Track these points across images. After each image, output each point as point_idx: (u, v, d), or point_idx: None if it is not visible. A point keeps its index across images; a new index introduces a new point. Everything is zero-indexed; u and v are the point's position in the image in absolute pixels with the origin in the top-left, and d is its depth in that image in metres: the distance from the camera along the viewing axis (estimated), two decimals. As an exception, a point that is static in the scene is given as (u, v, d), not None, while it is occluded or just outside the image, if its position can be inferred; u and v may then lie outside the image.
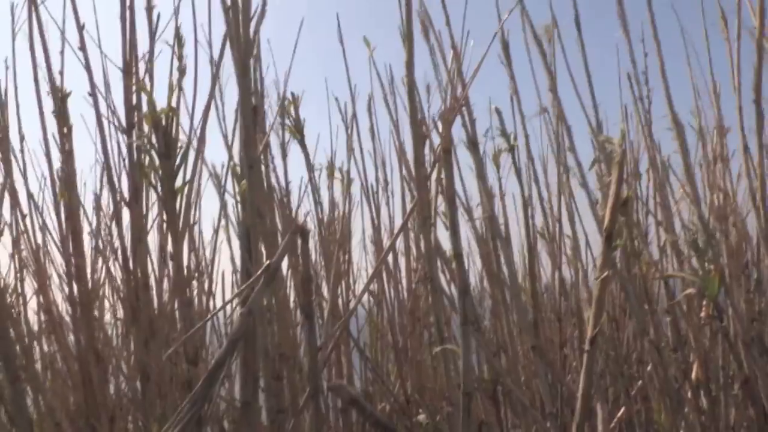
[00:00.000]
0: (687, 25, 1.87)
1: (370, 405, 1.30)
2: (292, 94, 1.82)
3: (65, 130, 1.67)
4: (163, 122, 1.40)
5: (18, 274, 1.92)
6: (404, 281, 2.22)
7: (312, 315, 1.24)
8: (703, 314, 1.71)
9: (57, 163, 1.72)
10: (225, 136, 1.74)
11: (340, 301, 2.11)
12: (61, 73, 1.68)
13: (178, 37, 1.59)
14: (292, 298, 1.94)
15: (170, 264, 1.53)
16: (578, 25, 1.70)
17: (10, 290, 1.94)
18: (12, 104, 1.83)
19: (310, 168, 1.99)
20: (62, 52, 1.69)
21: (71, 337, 1.78)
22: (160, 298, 1.56)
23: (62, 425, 1.70)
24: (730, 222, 1.87)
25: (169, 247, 1.49)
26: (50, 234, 1.80)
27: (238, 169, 1.29)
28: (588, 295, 1.91)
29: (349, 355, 2.16)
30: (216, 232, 1.99)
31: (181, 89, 1.57)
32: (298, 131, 1.87)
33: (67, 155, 1.69)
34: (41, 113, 1.71)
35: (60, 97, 1.66)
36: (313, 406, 1.23)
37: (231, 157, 1.66)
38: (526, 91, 1.83)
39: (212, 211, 2.01)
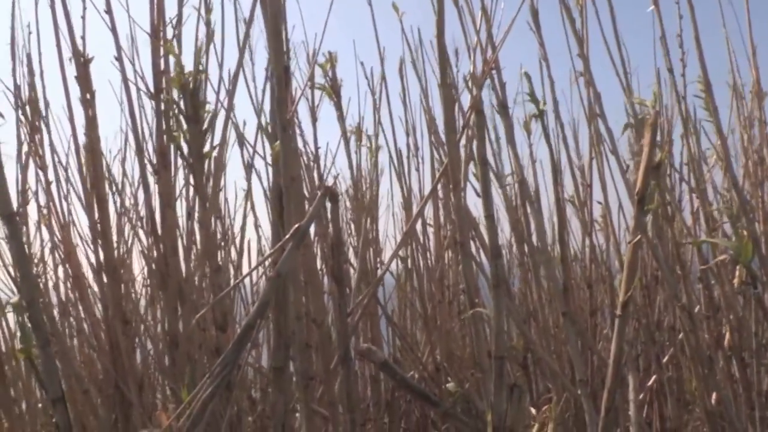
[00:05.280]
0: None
1: (400, 369, 1.30)
2: (329, 52, 1.76)
3: (88, 95, 1.65)
4: (191, 85, 1.39)
5: (45, 243, 1.92)
6: (433, 249, 2.20)
7: (342, 279, 1.23)
8: (736, 281, 1.69)
9: (81, 130, 1.71)
10: (253, 99, 1.71)
11: (367, 268, 2.09)
12: (83, 37, 1.67)
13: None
14: (318, 266, 1.92)
15: (197, 230, 1.53)
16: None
17: (36, 259, 1.95)
18: (36, 70, 1.82)
19: (344, 131, 1.95)
20: (83, 17, 1.68)
21: (98, 305, 1.78)
22: (188, 265, 1.55)
23: (90, 392, 1.70)
24: (766, 187, 1.83)
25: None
26: (78, 198, 1.78)
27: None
28: (620, 262, 1.89)
29: (377, 323, 2.15)
30: (247, 196, 1.94)
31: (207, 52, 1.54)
32: (334, 92, 1.81)
33: (91, 121, 1.67)
34: (64, 79, 1.69)
35: (83, 62, 1.65)
36: (344, 371, 1.22)
37: (261, 119, 1.63)
38: (556, 57, 1.80)
39: (236, 178, 1.97)
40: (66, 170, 1.82)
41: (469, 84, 1.51)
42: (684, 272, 1.71)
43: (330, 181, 2.04)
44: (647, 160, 1.05)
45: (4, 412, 1.43)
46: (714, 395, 1.68)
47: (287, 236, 1.09)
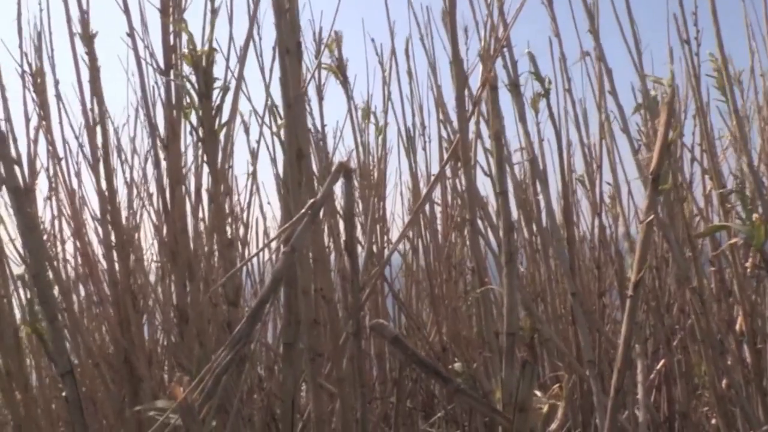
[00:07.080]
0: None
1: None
2: (335, 32, 1.75)
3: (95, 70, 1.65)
4: (203, 62, 1.38)
5: (56, 219, 1.92)
6: (440, 227, 2.19)
7: (355, 252, 1.23)
8: (748, 264, 1.67)
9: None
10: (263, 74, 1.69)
11: (375, 248, 2.09)
12: (87, 12, 1.66)
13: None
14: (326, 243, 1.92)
15: (206, 204, 1.52)
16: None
17: (46, 234, 1.95)
18: (46, 47, 1.82)
19: (352, 110, 1.93)
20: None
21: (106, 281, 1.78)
22: (198, 241, 1.55)
23: (101, 366, 1.70)
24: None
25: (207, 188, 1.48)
26: (88, 170, 1.77)
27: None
28: (628, 243, 1.88)
29: (384, 302, 2.14)
30: (253, 173, 1.93)
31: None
32: (340, 72, 1.80)
33: (99, 97, 1.67)
34: (74, 55, 1.69)
35: (89, 37, 1.64)
36: (355, 345, 1.22)
37: (269, 96, 1.62)
38: (567, 38, 1.79)
39: (246, 155, 1.97)
40: (79, 142, 1.82)
41: (482, 55, 1.50)
42: (695, 254, 1.70)
43: (339, 158, 2.03)
44: (662, 138, 1.04)
45: (17, 385, 1.43)
46: (724, 380, 1.67)
47: (303, 210, 1.08)
